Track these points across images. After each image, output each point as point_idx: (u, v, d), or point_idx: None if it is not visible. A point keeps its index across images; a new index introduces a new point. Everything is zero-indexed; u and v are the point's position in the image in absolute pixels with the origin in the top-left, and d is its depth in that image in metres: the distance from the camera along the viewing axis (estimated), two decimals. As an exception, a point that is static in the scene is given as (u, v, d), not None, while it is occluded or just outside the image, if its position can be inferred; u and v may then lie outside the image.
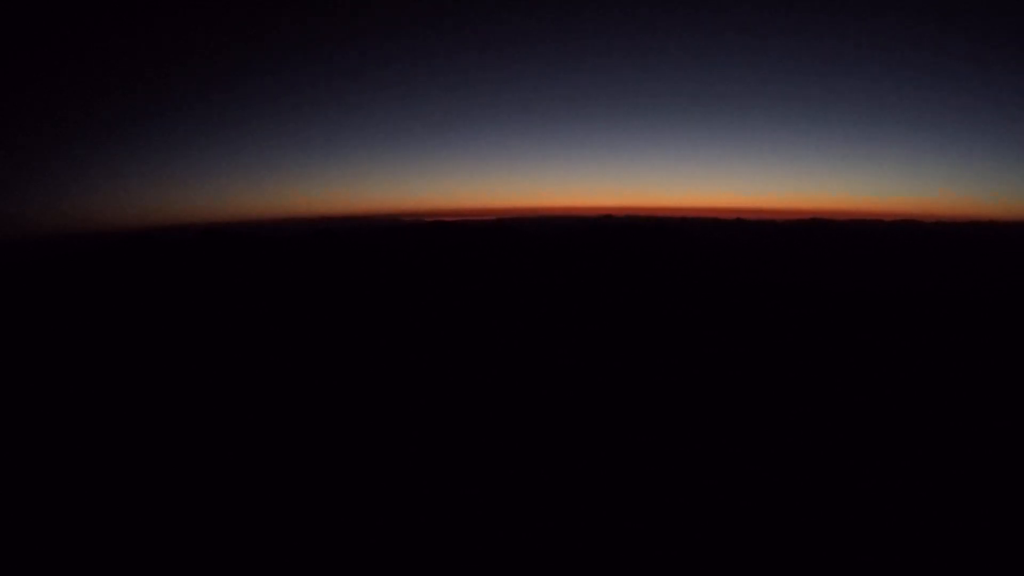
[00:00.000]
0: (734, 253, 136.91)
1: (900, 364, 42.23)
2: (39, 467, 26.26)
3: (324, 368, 41.76)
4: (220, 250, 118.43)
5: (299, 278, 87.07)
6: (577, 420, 31.62)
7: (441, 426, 30.77)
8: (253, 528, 21.25)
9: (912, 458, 26.58)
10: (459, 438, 29.19)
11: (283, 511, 22.36)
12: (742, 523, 21.30)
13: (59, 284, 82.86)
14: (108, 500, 23.30)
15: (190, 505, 22.80)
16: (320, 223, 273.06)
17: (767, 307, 66.01)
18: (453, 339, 50.60)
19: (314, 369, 41.55)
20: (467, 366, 42.12)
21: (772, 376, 39.23)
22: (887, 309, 65.47)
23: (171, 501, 23.10)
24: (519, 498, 23.18)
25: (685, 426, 30.65)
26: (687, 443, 28.44)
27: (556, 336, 51.50)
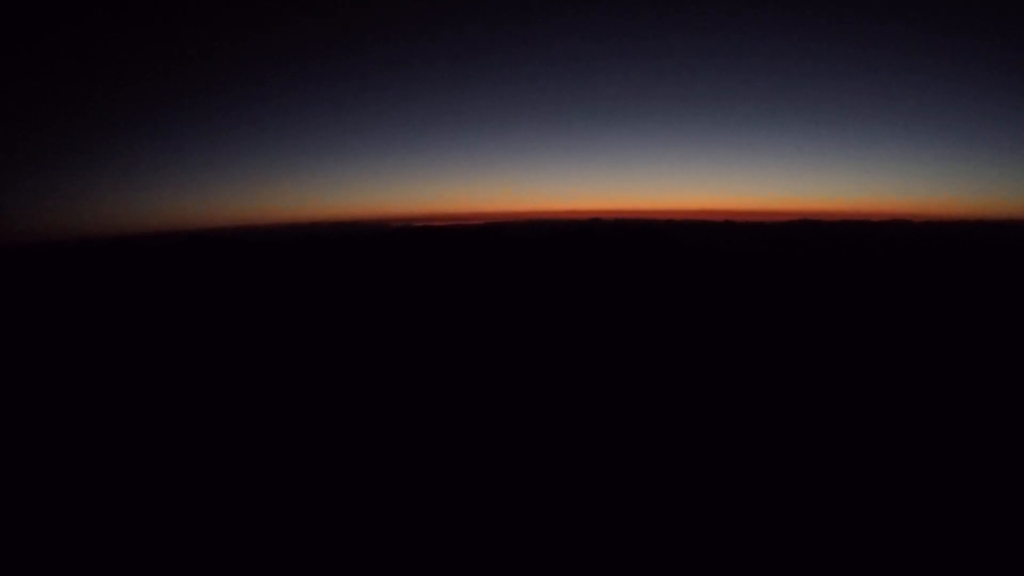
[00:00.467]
0: (724, 255, 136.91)
1: (892, 364, 41.68)
2: (31, 473, 25.52)
3: (317, 374, 40.80)
4: (205, 258, 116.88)
5: (287, 285, 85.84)
6: (569, 421, 30.99)
7: (436, 429, 30.22)
8: (251, 530, 20.81)
9: (904, 458, 25.90)
10: (454, 440, 28.68)
11: (280, 515, 21.86)
12: (734, 523, 20.67)
13: (41, 292, 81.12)
14: (96, 510, 22.50)
15: (182, 515, 22.03)
16: (307, 229, 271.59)
17: (758, 308, 65.47)
18: (446, 343, 49.73)
19: (307, 375, 40.57)
20: (460, 370, 41.31)
21: (763, 377, 38.57)
22: (878, 309, 65.11)
23: (160, 510, 22.31)
24: (513, 500, 22.83)
25: (677, 427, 29.93)
26: (678, 444, 27.70)
27: (547, 339, 50.70)
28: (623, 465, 25.65)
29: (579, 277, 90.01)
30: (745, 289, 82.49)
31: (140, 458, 26.93)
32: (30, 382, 39.34)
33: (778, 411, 32.04)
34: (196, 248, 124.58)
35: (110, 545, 20.04)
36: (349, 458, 26.84)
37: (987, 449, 26.68)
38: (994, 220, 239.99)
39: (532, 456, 26.78)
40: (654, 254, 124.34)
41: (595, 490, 23.41)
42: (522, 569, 18.50)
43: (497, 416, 31.90)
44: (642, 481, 24.11)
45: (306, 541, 20.27)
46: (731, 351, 45.47)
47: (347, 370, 41.59)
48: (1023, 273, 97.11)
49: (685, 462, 25.73)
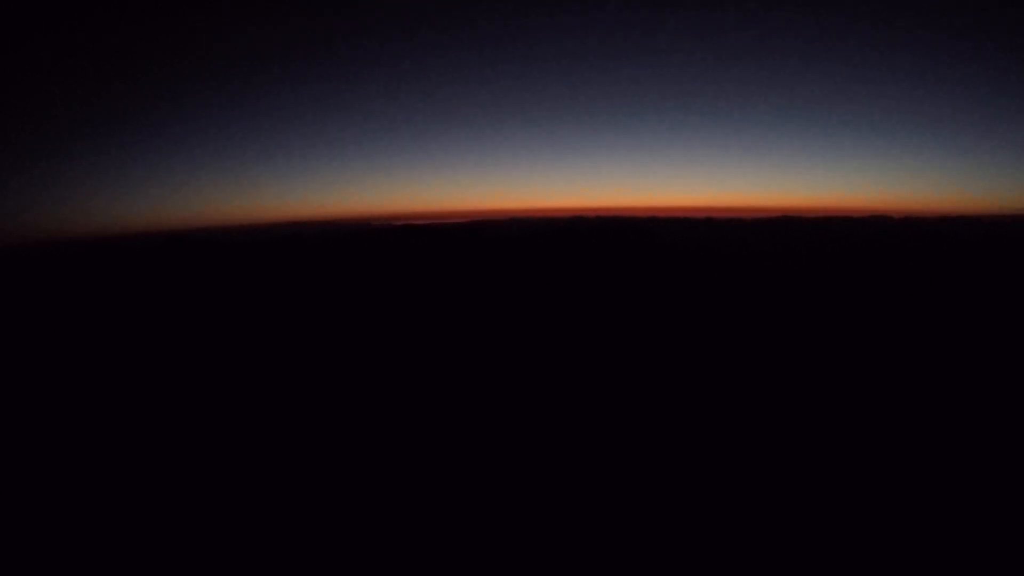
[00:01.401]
0: (705, 252, 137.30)
1: (875, 360, 41.86)
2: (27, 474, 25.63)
3: (300, 374, 40.62)
4: (186, 258, 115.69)
5: (269, 285, 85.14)
6: (557, 423, 31.10)
7: (423, 431, 30.24)
8: (244, 534, 20.84)
9: (891, 458, 26.12)
10: (443, 442, 28.74)
11: (274, 518, 21.85)
12: (716, 525, 21.00)
13: (25, 294, 79.83)
14: (88, 513, 22.48)
15: (172, 517, 21.99)
16: (288, 229, 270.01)
17: (739, 305, 65.61)
18: (429, 343, 49.60)
19: (290, 375, 40.37)
20: (445, 370, 41.24)
21: (745, 374, 38.74)
22: (859, 305, 65.44)
23: (150, 514, 22.26)
24: (507, 501, 23.05)
25: (663, 428, 30.07)
26: (665, 444, 27.91)
27: (531, 338, 50.62)
28: (612, 466, 25.90)
29: (562, 276, 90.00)
30: (726, 286, 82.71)
31: (135, 459, 26.85)
32: (20, 385, 38.93)
33: (759, 409, 32.22)
34: (176, 248, 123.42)
35: (107, 545, 20.12)
36: (342, 460, 26.82)
37: (974, 447, 27.02)
38: (973, 215, 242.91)
39: (522, 457, 26.87)
40: (637, 251, 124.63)
41: (583, 491, 23.68)
42: (514, 569, 18.80)
43: (484, 417, 31.89)
44: (629, 482, 24.43)
45: (300, 543, 20.24)
46: (713, 348, 45.59)
47: (330, 369, 41.37)
48: (1002, 267, 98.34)
49: (673, 463, 25.98)
